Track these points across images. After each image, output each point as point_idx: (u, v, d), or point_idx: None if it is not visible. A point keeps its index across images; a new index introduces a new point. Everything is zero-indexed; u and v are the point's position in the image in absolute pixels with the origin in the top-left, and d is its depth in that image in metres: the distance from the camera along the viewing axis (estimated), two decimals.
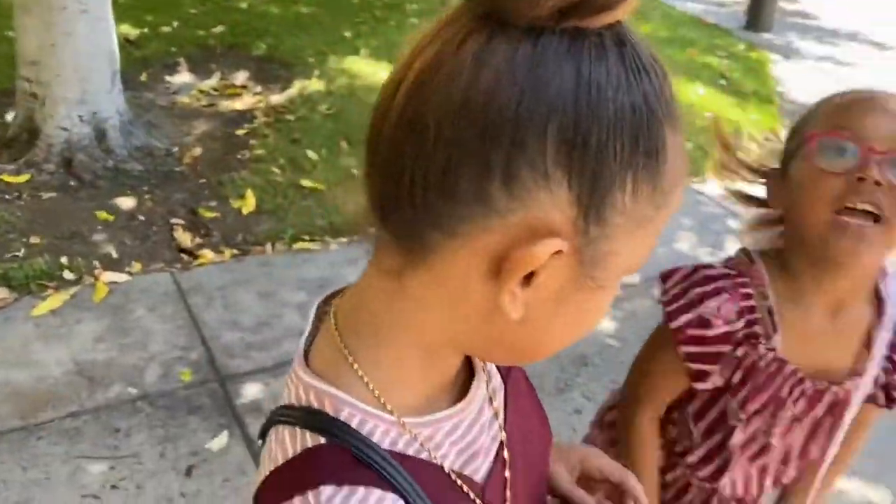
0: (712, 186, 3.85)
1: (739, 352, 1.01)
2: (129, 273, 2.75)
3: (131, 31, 4.90)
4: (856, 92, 0.95)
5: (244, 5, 5.64)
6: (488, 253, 0.48)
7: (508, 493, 0.63)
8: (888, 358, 1.03)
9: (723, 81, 5.03)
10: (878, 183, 0.86)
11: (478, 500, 0.59)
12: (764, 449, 1.07)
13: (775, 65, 5.65)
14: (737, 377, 1.02)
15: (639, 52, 0.48)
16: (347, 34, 5.21)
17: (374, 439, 0.54)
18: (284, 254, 2.97)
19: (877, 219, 0.88)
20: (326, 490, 0.50)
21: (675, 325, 1.02)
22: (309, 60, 4.68)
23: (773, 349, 0.99)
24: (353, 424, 0.54)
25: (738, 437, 1.05)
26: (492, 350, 0.57)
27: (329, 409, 0.54)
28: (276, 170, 3.43)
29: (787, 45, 6.13)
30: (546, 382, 2.43)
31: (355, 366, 0.55)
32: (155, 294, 2.67)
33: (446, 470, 0.57)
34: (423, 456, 0.56)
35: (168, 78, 4.46)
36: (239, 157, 3.57)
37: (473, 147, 0.46)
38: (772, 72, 5.48)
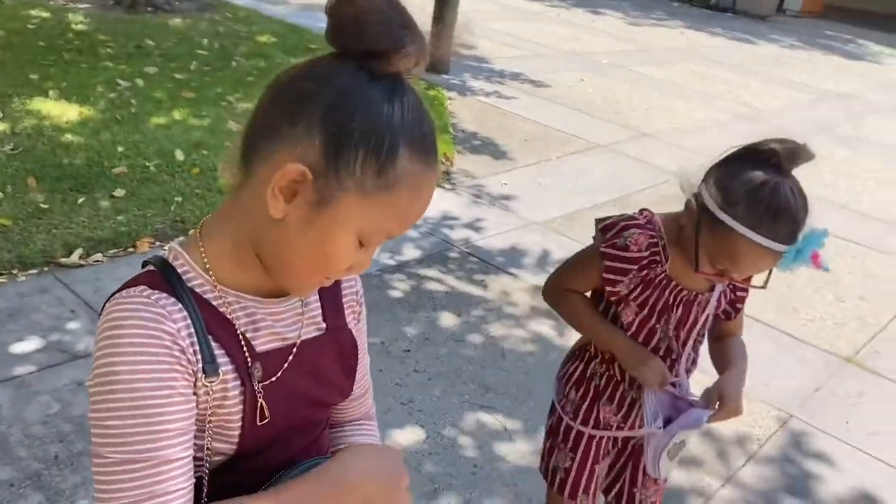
0: None
1: (643, 272, 1.48)
2: None
3: None
4: (742, 248, 1.31)
5: None
6: (273, 168, 0.78)
7: (281, 374, 0.90)
8: (726, 287, 1.56)
9: None
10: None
11: (246, 351, 0.87)
12: (660, 338, 1.56)
13: (451, 101, 6.50)
14: (638, 289, 1.51)
15: (412, 96, 0.80)
16: (34, 76, 5.08)
17: (189, 283, 0.85)
18: None
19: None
20: (140, 287, 0.83)
21: (604, 244, 1.49)
22: None
23: (665, 271, 1.49)
24: (180, 271, 0.85)
25: (632, 325, 1.56)
26: (263, 249, 0.85)
27: (171, 259, 0.87)
28: None
29: (462, 85, 7.05)
30: None
31: (200, 243, 0.87)
32: None
33: (233, 322, 0.87)
34: (217, 304, 0.86)
35: None
36: None
37: (281, 109, 0.80)
38: (447, 106, 6.29)
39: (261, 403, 0.88)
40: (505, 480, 2.47)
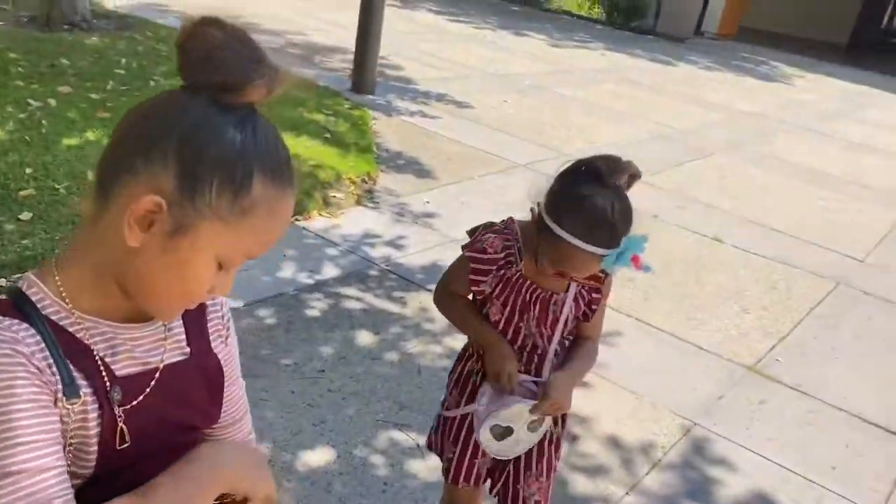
0: (315, 223, 4.42)
1: (501, 272, 1.64)
2: None
3: None
4: (568, 251, 1.47)
5: None
6: (129, 199, 0.81)
7: (143, 398, 0.92)
8: (581, 289, 1.69)
9: (327, 135, 5.71)
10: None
11: (105, 375, 0.88)
12: (525, 335, 1.71)
13: (376, 121, 6.55)
14: (498, 288, 1.66)
15: (264, 125, 0.85)
16: None
17: (44, 310, 0.86)
18: None
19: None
20: None
21: (468, 248, 1.67)
22: None
23: (520, 271, 1.64)
24: (34, 299, 0.86)
25: (499, 322, 1.70)
26: (124, 278, 0.86)
27: (25, 288, 0.87)
28: None
29: (387, 105, 7.11)
30: None
31: (55, 272, 0.88)
32: None
33: (91, 347, 0.87)
34: (73, 330, 0.87)
35: None
36: None
37: (137, 142, 0.82)
38: (372, 126, 6.34)
39: (121, 427, 0.89)
40: (415, 497, 2.50)
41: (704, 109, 9.77)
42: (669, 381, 3.44)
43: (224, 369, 1.04)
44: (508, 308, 1.68)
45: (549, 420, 1.73)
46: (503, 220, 1.70)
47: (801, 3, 21.29)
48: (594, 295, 1.71)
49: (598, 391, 3.27)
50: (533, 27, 14.74)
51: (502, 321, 1.71)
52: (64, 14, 7.41)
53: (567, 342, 1.77)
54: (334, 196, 4.76)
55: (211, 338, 1.03)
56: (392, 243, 4.35)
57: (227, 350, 1.06)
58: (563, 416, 1.84)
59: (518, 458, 1.81)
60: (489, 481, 1.91)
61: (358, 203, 4.80)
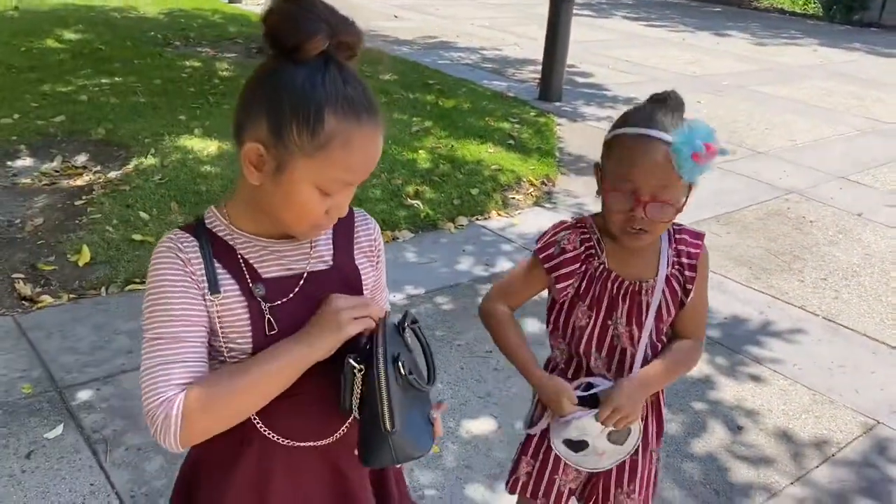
0: (493, 222, 4.66)
1: (583, 268, 1.53)
2: None
3: None
4: (630, 147, 1.41)
5: (84, 97, 6.12)
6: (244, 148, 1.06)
7: (293, 296, 1.15)
8: (675, 263, 1.56)
9: (511, 141, 5.96)
10: (642, 218, 1.42)
11: (248, 275, 1.14)
12: (614, 336, 1.56)
13: (560, 127, 6.70)
14: (583, 286, 1.54)
15: (336, 71, 1.03)
16: (182, 117, 5.78)
17: (210, 226, 1.16)
18: (117, 295, 3.44)
19: (645, 230, 1.45)
20: (175, 230, 1.15)
21: (542, 254, 1.55)
22: (145, 141, 5.21)
23: (602, 263, 1.54)
24: (206, 220, 1.17)
25: (587, 327, 1.56)
26: (261, 208, 1.12)
27: (204, 214, 1.18)
28: (109, 228, 3.92)
29: (573, 111, 7.23)
30: None
31: (224, 202, 1.18)
32: None
33: (237, 252, 1.15)
34: (227, 239, 1.15)
35: (9, 163, 4.86)
36: (77, 221, 4.03)
37: (242, 105, 1.08)
38: (556, 132, 6.50)
39: (268, 318, 1.14)
40: None
41: None
42: (853, 380, 3.25)
43: (363, 279, 1.25)
44: (596, 309, 1.54)
45: (637, 430, 1.57)
46: (574, 217, 1.61)
47: None
48: (687, 273, 1.55)
49: (769, 385, 3.18)
50: (736, 27, 14.09)
51: (591, 325, 1.55)
52: None
53: (657, 342, 1.60)
54: (513, 197, 4.99)
55: (356, 253, 1.26)
56: None
57: (374, 270, 1.29)
58: (659, 427, 1.69)
59: (608, 475, 1.69)
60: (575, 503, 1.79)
61: (536, 204, 4.98)
